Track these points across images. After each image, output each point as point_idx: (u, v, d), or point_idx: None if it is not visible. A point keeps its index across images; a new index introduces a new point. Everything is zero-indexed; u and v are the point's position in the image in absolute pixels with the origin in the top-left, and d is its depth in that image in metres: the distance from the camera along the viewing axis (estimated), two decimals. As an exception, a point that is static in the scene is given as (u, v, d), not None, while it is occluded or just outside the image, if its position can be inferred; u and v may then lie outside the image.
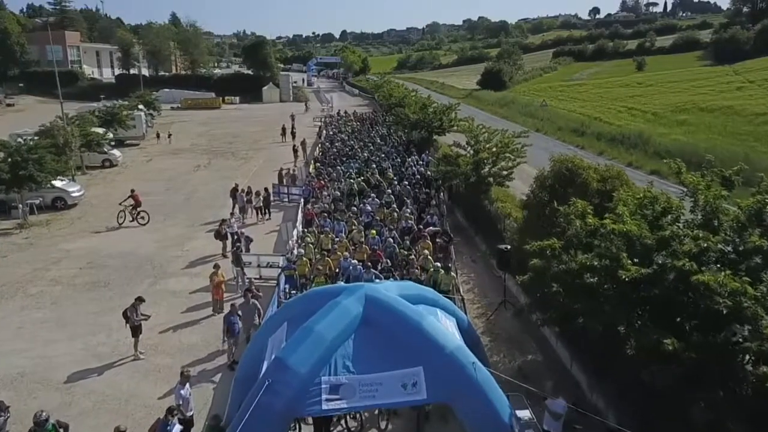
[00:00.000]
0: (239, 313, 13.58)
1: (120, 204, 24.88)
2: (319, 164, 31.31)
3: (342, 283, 13.98)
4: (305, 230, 20.27)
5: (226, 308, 15.99)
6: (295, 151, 37.32)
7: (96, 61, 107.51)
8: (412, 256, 15.85)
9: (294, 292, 15.32)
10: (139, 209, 24.77)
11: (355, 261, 16.51)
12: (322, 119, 56.07)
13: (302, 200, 24.97)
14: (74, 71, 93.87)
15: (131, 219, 24.59)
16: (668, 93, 62.91)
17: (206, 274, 18.24)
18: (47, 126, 30.31)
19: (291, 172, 29.56)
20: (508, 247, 14.82)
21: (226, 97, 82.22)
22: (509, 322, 14.98)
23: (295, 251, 18.68)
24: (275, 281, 16.88)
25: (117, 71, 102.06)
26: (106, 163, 37.41)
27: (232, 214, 24.93)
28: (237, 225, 21.95)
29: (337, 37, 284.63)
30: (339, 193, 23.40)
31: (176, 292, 17.72)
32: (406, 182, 25.07)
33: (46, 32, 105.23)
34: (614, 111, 54.67)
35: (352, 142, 37.46)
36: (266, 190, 26.05)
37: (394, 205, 21.56)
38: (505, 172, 21.74)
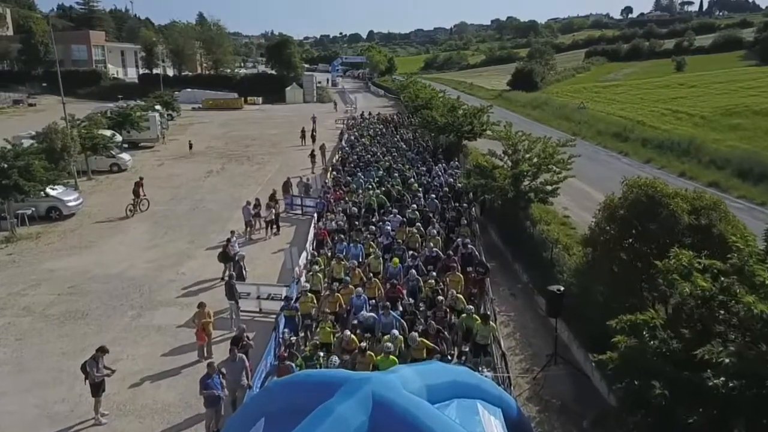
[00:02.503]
0: (222, 371, 10.84)
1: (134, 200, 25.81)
2: (335, 173, 28.53)
3: (348, 333, 11.19)
4: (315, 253, 17.50)
5: (217, 352, 13.43)
6: (312, 156, 34.56)
7: (121, 60, 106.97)
8: (440, 297, 12.86)
9: (294, 339, 12.53)
10: (140, 198, 26.02)
11: (370, 297, 13.73)
12: (345, 121, 53.42)
13: (315, 215, 22.24)
14: (98, 71, 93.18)
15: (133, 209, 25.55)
16: (714, 95, 58.62)
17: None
18: (45, 129, 28.06)
19: (304, 180, 26.80)
20: (561, 289, 11.81)
21: (248, 98, 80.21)
22: (562, 383, 11.94)
23: (303, 279, 15.98)
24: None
25: (142, 71, 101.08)
26: (114, 167, 35.24)
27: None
28: (239, 242, 19.35)
29: (365, 37, 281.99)
30: (356, 209, 20.50)
31: (161, 328, 15.09)
32: (433, 195, 22.11)
33: (70, 32, 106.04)
34: (657, 114, 50.70)
35: (374, 148, 34.64)
36: (276, 201, 23.42)
37: (419, 224, 18.64)
38: (549, 187, 18.63)
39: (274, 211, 22.43)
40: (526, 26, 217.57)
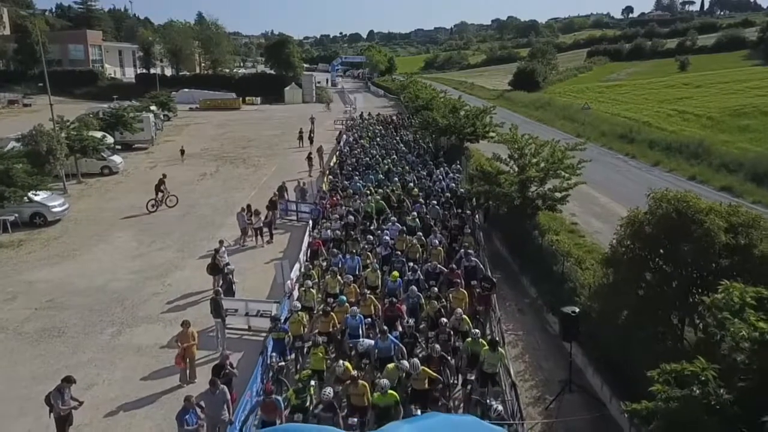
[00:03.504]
0: (201, 404, 9.73)
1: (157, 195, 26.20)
2: (332, 177, 27.43)
3: (342, 363, 10.09)
4: (309, 264, 16.40)
5: (201, 374, 12.34)
6: (309, 159, 33.44)
7: (118, 60, 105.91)
8: (443, 319, 11.72)
9: (283, 364, 11.44)
10: (165, 195, 26.48)
11: (366, 315, 12.65)
12: (344, 122, 52.34)
13: (310, 222, 21.13)
14: (94, 71, 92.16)
15: (157, 205, 26.03)
16: (721, 95, 57.49)
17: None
18: (30, 131, 26.95)
19: (301, 185, 25.68)
20: (576, 310, 10.71)
21: (247, 98, 79.10)
22: (578, 413, 10.82)
23: (296, 293, 14.90)
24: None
25: (139, 71, 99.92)
26: (105, 170, 34.14)
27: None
28: (229, 251, 18.30)
29: (365, 37, 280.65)
30: (352, 217, 19.36)
31: (142, 348, 13.99)
32: (434, 201, 21.00)
33: (67, 31, 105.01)
34: (663, 115, 49.57)
35: (374, 150, 33.55)
36: (276, 207, 22.37)
37: (420, 233, 17.54)
38: (558, 194, 17.52)
39: (262, 218, 21.25)
40: (527, 26, 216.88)
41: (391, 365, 9.88)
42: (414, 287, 13.17)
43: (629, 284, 8.79)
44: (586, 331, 10.71)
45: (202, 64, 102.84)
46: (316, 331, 12.25)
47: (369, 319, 12.75)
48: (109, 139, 35.61)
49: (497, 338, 11.18)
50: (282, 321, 12.45)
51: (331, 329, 12.37)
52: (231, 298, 14.57)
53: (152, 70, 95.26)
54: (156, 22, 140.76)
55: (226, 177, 33.58)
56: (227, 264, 16.83)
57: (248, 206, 21.77)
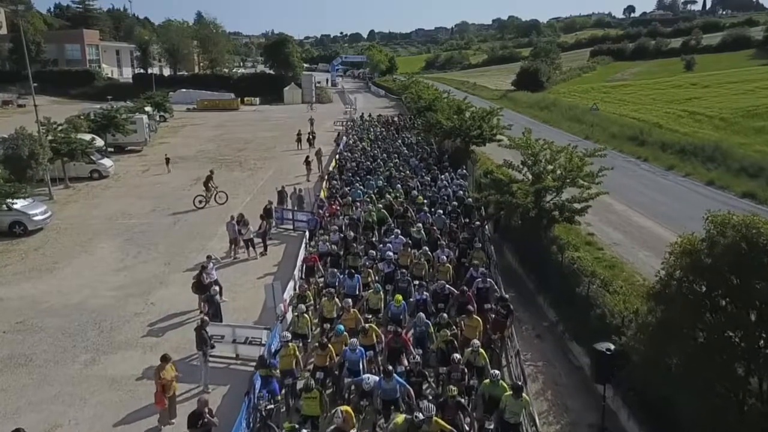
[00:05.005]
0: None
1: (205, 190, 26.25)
2: (334, 181, 25.94)
3: (341, 411, 8.58)
4: (304, 283, 14.93)
5: (182, 412, 10.93)
6: (307, 162, 31.96)
7: (116, 60, 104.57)
8: (457, 355, 10.16)
9: (272, 407, 9.95)
10: (213, 191, 26.45)
11: (367, 346, 11.20)
12: (344, 123, 50.89)
13: (306, 234, 19.63)
14: (91, 71, 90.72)
15: (205, 202, 26.07)
16: (731, 95, 56.07)
17: (165, 347, 13.19)
18: (12, 134, 25.48)
19: (298, 191, 24.19)
20: (612, 348, 9.24)
21: (245, 98, 77.64)
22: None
23: (289, 317, 13.47)
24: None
25: (137, 71, 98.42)
26: (95, 174, 32.68)
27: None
28: (219, 266, 16.86)
29: (365, 37, 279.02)
30: (352, 233, 17.78)
31: (117, 380, 12.49)
32: (440, 210, 19.48)
33: (63, 31, 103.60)
34: (673, 116, 48.10)
35: (375, 152, 32.09)
36: (271, 216, 20.92)
37: (426, 248, 16.07)
38: (577, 205, 16.01)
39: (251, 228, 19.76)
40: (528, 25, 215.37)
41: (399, 418, 8.33)
42: (422, 314, 11.64)
43: (684, 326, 7.32)
44: (624, 372, 9.24)
45: (201, 64, 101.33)
46: (311, 366, 10.77)
47: (371, 352, 11.28)
48: (99, 142, 34.13)
49: (518, 378, 9.70)
50: (272, 353, 10.96)
51: (328, 362, 10.89)
52: (217, 324, 13.08)
53: (150, 70, 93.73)
54: (156, 22, 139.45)
55: (221, 181, 31.75)
56: (215, 281, 15.39)
57: (240, 215, 20.25)
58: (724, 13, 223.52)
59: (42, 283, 17.97)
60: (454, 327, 11.90)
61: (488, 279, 13.47)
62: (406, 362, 10.80)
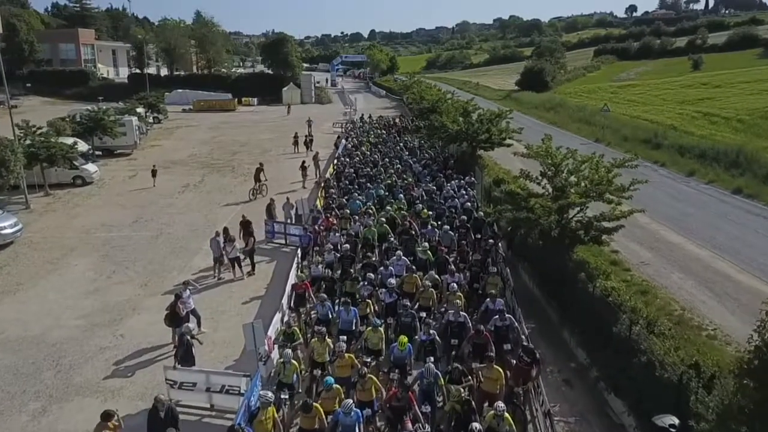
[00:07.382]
0: None
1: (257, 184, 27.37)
2: (332, 189, 23.95)
3: None
4: (293, 316, 12.95)
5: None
6: (303, 168, 29.94)
7: (112, 60, 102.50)
8: (476, 425, 8.13)
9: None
10: (262, 183, 27.72)
11: (364, 402, 9.22)
12: (343, 124, 48.91)
13: (299, 252, 17.62)
14: (85, 70, 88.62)
15: (257, 193, 27.19)
16: (745, 95, 54.04)
17: (130, 391, 11.25)
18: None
19: (291, 203, 22.14)
20: (676, 423, 7.28)
21: (243, 99, 75.67)
22: None
23: (274, 356, 11.50)
24: (235, 413, 9.60)
25: (133, 70, 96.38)
26: (78, 180, 30.68)
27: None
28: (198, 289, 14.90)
29: (366, 36, 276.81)
30: (350, 249, 15.76)
31: (68, 437, 10.53)
32: (447, 226, 17.45)
33: (58, 30, 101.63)
34: (687, 117, 46.05)
35: (375, 156, 30.09)
36: (251, 232, 18.82)
37: (433, 272, 14.08)
38: (607, 224, 14.00)
39: (237, 245, 17.74)
40: (530, 25, 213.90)
41: None
42: (430, 365, 9.62)
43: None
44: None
45: (198, 64, 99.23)
46: (295, 429, 8.77)
47: (368, 410, 9.29)
48: (82, 146, 32.14)
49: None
50: (249, 415, 8.94)
51: (316, 426, 8.90)
52: (188, 369, 11.08)
53: (146, 70, 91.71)
54: (155, 22, 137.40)
55: (211, 188, 30.09)
56: (192, 311, 13.43)
57: (225, 230, 18.24)
58: (727, 12, 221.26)
59: (2, 309, 16.00)
60: (469, 377, 9.91)
61: (507, 315, 11.43)
62: (410, 426, 8.80)
